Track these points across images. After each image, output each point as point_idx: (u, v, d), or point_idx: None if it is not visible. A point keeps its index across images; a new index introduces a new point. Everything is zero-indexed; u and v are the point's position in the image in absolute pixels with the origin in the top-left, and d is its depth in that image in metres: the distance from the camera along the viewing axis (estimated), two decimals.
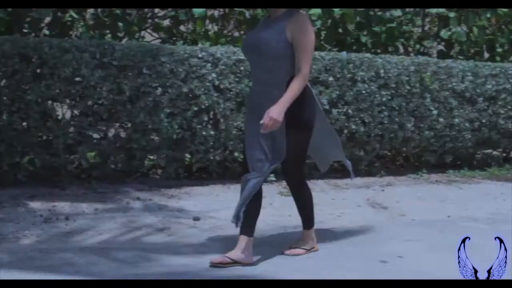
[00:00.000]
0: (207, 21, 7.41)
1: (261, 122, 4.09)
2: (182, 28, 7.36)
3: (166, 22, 7.34)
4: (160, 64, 6.20)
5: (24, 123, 5.86)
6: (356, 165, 7.32)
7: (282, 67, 4.11)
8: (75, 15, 6.67)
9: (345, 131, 7.03)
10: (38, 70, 5.86)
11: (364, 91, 7.02)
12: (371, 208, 6.15)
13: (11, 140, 5.78)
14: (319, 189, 6.55)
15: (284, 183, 6.70)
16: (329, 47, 7.79)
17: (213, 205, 5.85)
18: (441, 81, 7.56)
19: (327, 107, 6.81)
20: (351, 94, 6.96)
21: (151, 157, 6.54)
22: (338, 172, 7.38)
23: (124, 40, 6.96)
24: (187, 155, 6.55)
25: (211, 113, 6.45)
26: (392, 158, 8.00)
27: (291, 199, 6.12)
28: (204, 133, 6.36)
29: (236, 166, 6.62)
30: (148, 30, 7.37)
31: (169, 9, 7.06)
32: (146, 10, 7.12)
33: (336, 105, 6.92)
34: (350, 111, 6.97)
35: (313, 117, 4.34)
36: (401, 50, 8.37)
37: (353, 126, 7.00)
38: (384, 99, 7.13)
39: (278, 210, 5.84)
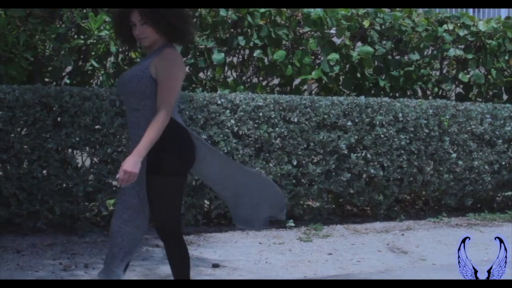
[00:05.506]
0: (226, 68, 7.48)
1: (117, 177, 3.66)
2: (201, 75, 7.42)
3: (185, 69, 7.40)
4: (179, 111, 6.24)
5: (44, 171, 5.91)
6: (375, 209, 7.32)
7: (148, 105, 3.71)
8: (95, 64, 6.76)
9: (364, 175, 7.03)
10: (59, 119, 5.93)
11: (382, 135, 7.03)
12: (391, 253, 6.11)
13: (31, 188, 5.83)
14: (338, 234, 6.52)
15: (303, 228, 6.71)
16: (348, 91, 7.82)
17: (232, 252, 5.86)
18: (460, 124, 7.55)
19: (345, 151, 6.82)
20: (369, 138, 6.96)
21: None
22: (357, 216, 7.37)
23: None
24: (206, 202, 6.55)
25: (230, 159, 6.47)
26: (411, 202, 7.98)
27: (310, 245, 6.17)
28: None
29: None
30: None
31: (188, 57, 7.14)
32: None
33: (355, 150, 6.93)
34: (368, 155, 6.96)
35: (183, 161, 3.80)
36: (420, 93, 8.38)
37: (372, 171, 6.99)
38: (402, 143, 7.13)
39: (297, 256, 5.83)
